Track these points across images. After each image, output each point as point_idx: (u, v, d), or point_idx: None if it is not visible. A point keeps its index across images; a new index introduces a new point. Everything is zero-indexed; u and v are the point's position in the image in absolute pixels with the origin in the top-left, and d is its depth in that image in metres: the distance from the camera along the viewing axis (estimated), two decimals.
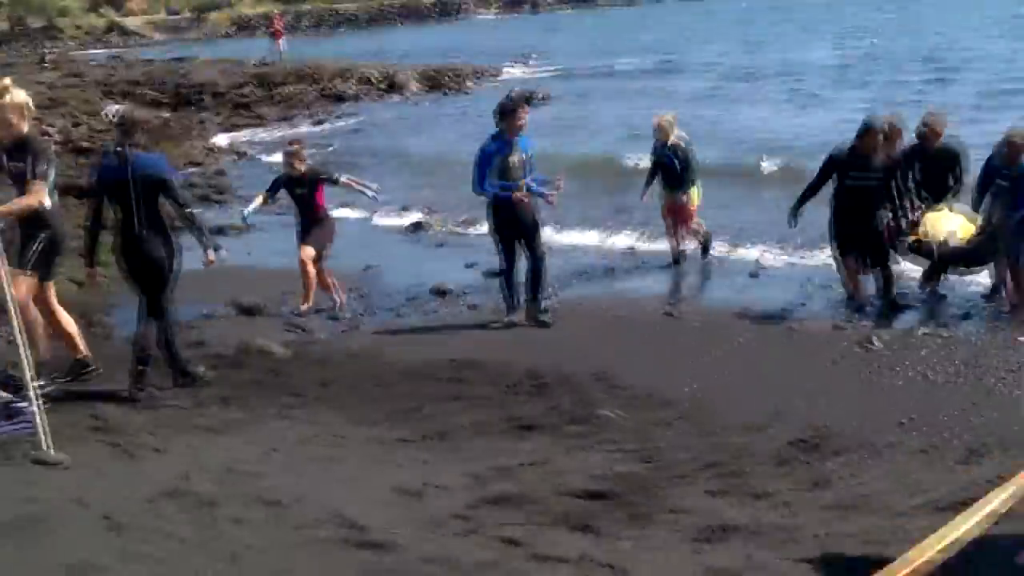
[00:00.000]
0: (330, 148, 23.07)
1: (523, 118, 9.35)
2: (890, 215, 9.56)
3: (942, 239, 9.37)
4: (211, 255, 7.90)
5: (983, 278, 10.01)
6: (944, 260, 9.58)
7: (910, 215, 9.60)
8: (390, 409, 7.26)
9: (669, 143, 11.54)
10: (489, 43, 48.30)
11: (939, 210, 9.61)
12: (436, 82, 33.52)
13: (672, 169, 11.56)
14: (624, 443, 6.44)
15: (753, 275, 11.28)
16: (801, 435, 6.44)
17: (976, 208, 9.64)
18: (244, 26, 75.64)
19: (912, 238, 9.55)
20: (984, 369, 7.68)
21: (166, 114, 28.40)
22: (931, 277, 9.97)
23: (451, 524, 5.19)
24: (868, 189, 9.48)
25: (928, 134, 9.76)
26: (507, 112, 9.32)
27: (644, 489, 5.65)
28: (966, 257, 9.59)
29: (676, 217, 11.84)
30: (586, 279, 11.55)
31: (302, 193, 10.52)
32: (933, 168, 9.78)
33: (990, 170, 9.50)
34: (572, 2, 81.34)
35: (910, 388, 7.40)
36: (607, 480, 5.78)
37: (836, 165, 9.62)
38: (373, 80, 32.76)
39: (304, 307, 10.35)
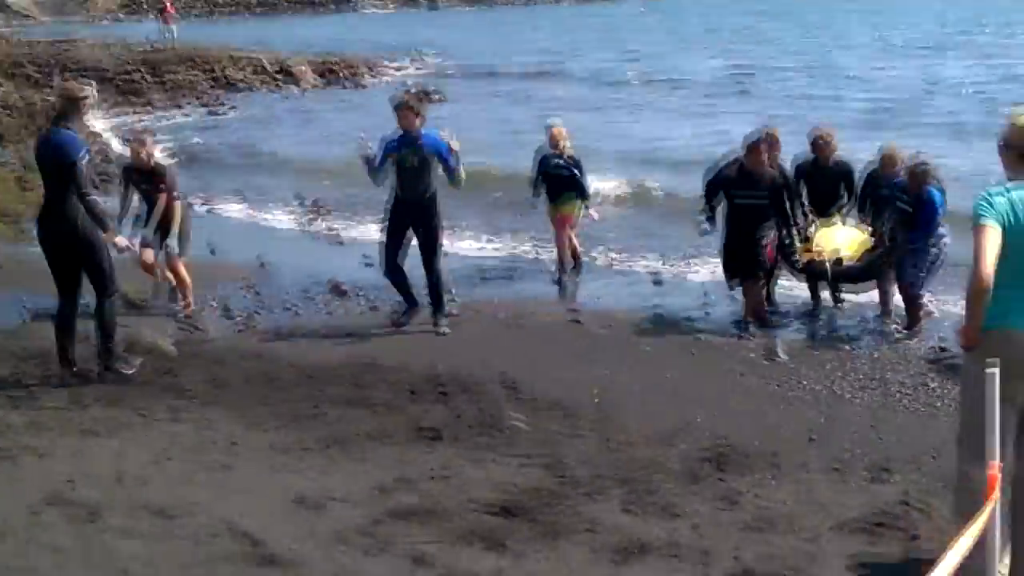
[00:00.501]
0: (196, 141, 22.54)
1: (408, 116, 9.06)
2: (773, 232, 9.42)
3: (836, 257, 9.37)
4: (119, 240, 7.87)
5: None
6: (837, 278, 9.61)
7: (800, 232, 9.55)
8: (288, 413, 6.97)
9: (566, 154, 11.24)
10: (386, 37, 47.80)
11: (830, 225, 9.66)
12: (331, 74, 33.00)
13: (565, 180, 11.23)
14: (531, 454, 6.27)
15: (657, 282, 11.25)
16: (710, 450, 6.37)
17: (862, 219, 9.72)
18: (133, 9, 73.51)
19: (805, 256, 9.50)
20: (888, 384, 7.75)
21: (50, 96, 27.35)
22: (816, 295, 9.96)
23: (356, 540, 4.97)
24: (757, 208, 9.33)
25: (823, 147, 9.77)
26: (396, 108, 9.14)
27: (555, 504, 5.50)
28: (859, 275, 9.64)
29: (564, 228, 11.47)
30: (488, 283, 11.37)
31: (146, 188, 9.77)
32: (824, 183, 9.83)
33: (871, 181, 9.60)
34: (469, 1, 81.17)
35: (816, 402, 7.40)
36: (516, 493, 5.62)
37: (722, 184, 9.50)
38: (267, 69, 32.08)
39: (188, 308, 9.80)
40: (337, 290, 10.86)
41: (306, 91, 31.22)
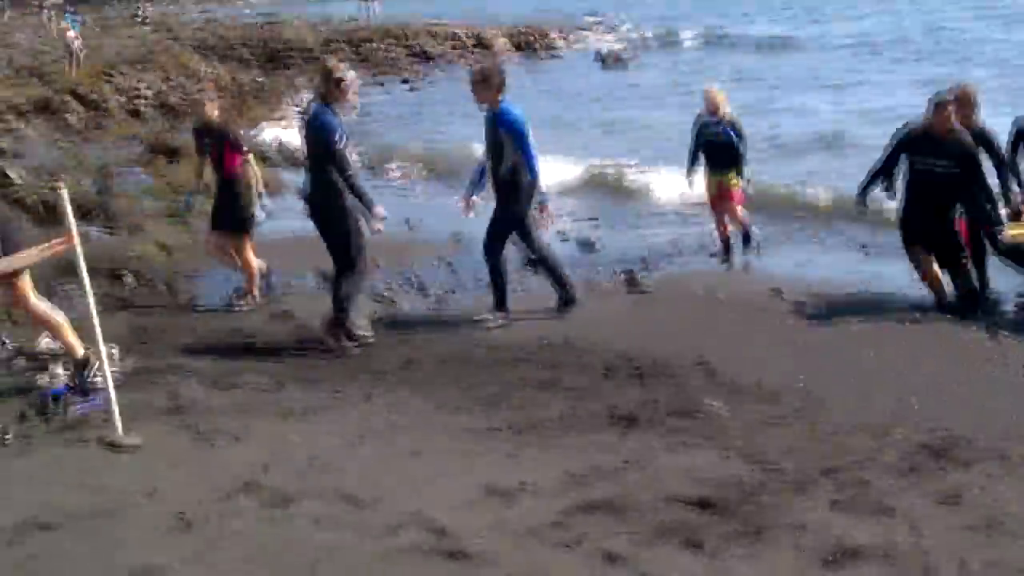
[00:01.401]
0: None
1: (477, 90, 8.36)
2: (961, 210, 8.49)
3: None
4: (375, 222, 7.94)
5: None
6: None
7: (1007, 208, 8.52)
8: (479, 396, 6.83)
9: (725, 117, 10.45)
10: (573, 4, 47.40)
11: None
12: (525, 44, 32.94)
13: (726, 147, 10.42)
14: (730, 442, 5.93)
15: (865, 251, 10.62)
16: (928, 440, 5.88)
17: None
18: None
19: (1012, 234, 8.40)
20: None
21: (256, 74, 28.34)
22: None
23: (547, 533, 4.77)
24: (943, 176, 8.35)
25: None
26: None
27: (756, 498, 5.15)
28: None
29: (724, 203, 10.71)
30: (684, 255, 11.00)
31: (211, 144, 9.54)
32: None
33: None
34: None
35: None
36: (714, 486, 5.30)
37: (905, 146, 8.59)
38: (464, 41, 32.29)
39: (244, 301, 9.40)
40: (533, 263, 10.71)
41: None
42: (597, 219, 13.12)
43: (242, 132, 10.48)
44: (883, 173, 8.79)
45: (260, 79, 27.64)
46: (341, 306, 7.97)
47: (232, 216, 9.41)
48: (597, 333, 8.15)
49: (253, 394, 6.86)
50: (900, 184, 8.76)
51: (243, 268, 9.49)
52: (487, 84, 8.33)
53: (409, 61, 30.01)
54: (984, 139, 8.58)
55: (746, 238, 10.86)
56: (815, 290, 9.19)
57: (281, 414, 6.44)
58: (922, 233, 8.56)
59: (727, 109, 10.48)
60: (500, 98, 8.33)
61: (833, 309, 8.59)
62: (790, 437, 6.02)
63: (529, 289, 9.93)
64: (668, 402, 6.59)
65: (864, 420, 6.24)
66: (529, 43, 32.76)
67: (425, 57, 30.49)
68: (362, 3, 40.14)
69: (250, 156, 9.58)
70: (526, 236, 8.74)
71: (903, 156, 8.62)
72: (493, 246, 8.67)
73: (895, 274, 9.43)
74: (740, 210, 10.74)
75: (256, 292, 9.46)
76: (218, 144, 9.42)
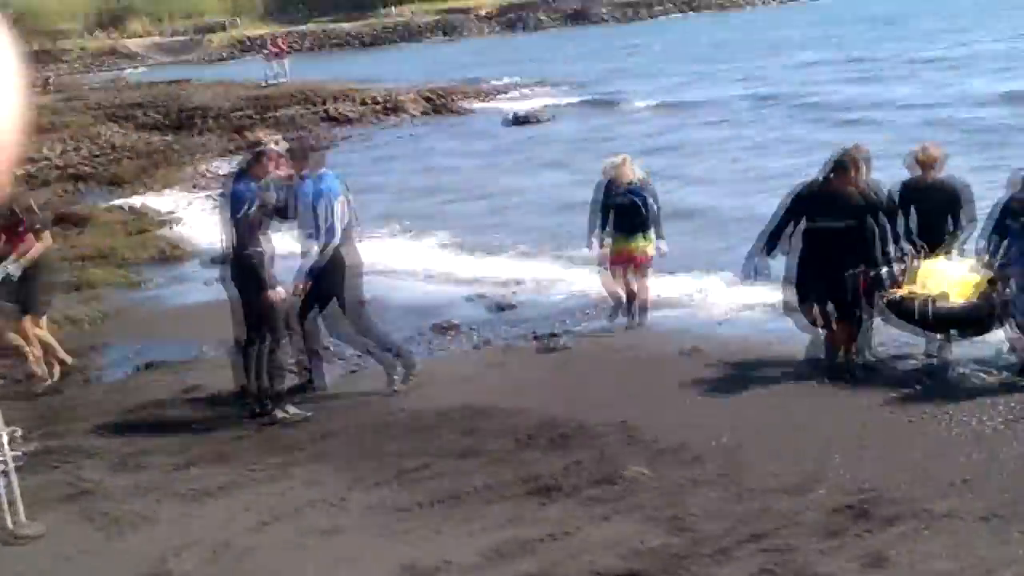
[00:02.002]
0: None
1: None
2: (862, 265, 8.14)
3: (933, 296, 7.99)
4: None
5: None
6: (933, 323, 8.13)
7: (898, 265, 8.18)
8: (396, 467, 6.66)
9: (635, 180, 9.99)
10: (492, 65, 47.81)
11: (936, 259, 8.35)
12: (437, 105, 33.01)
13: (635, 211, 9.90)
14: (654, 509, 5.83)
15: (774, 308, 10.67)
16: (849, 499, 5.85)
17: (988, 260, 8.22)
18: (246, 48, 75.23)
19: (897, 293, 8.11)
20: None
21: (168, 137, 27.96)
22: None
23: None
24: (841, 232, 8.11)
25: (924, 164, 8.60)
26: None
27: (683, 567, 5.06)
28: (962, 321, 8.17)
29: (628, 265, 10.14)
30: (596, 317, 10.94)
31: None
32: (929, 209, 8.56)
33: (1006, 212, 8.07)
34: (568, 20, 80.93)
35: (964, 439, 6.79)
36: (640, 555, 5.20)
37: (804, 205, 8.32)
38: (374, 101, 32.25)
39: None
40: (446, 327, 10.59)
41: (412, 121, 31.21)
42: (519, 280, 13.03)
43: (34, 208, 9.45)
44: (778, 235, 8.48)
45: (169, 141, 27.28)
46: (277, 379, 7.77)
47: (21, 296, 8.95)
48: (517, 397, 8.04)
49: (161, 474, 6.61)
50: (791, 245, 8.43)
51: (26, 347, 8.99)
52: (300, 155, 8.22)
53: (326, 127, 29.89)
54: (875, 197, 8.33)
55: (642, 310, 10.23)
56: (733, 348, 9.18)
57: (190, 495, 6.19)
58: (818, 293, 8.22)
59: (635, 174, 10.09)
60: (314, 169, 8.13)
61: (751, 367, 8.58)
62: (715, 501, 5.94)
63: (447, 351, 9.82)
64: (591, 468, 6.48)
65: (787, 480, 6.19)
66: (442, 104, 32.86)
67: (337, 121, 30.36)
68: (268, 63, 40.00)
69: (45, 233, 9.18)
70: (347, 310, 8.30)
71: (797, 216, 8.36)
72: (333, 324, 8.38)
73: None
74: (647, 281, 10.29)
75: (40, 370, 8.98)
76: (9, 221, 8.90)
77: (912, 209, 8.58)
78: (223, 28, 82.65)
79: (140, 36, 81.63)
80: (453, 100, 33.44)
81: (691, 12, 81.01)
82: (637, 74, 38.38)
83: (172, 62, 70.26)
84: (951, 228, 8.62)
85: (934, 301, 7.94)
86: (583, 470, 6.45)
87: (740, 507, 5.83)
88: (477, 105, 33.42)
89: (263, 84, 36.49)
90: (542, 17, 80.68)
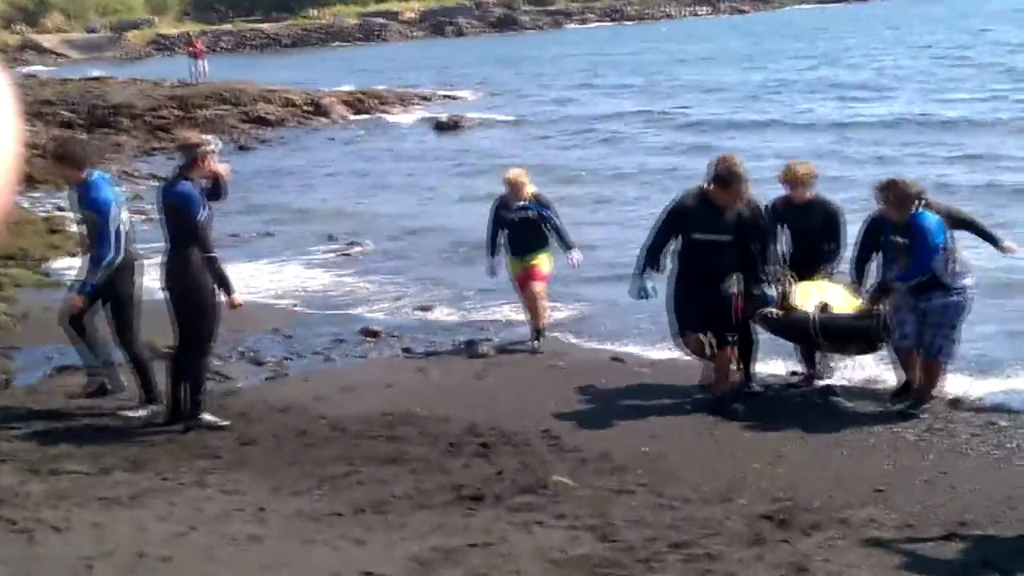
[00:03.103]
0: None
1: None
2: (739, 280, 7.73)
3: (819, 306, 7.78)
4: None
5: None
6: (820, 337, 7.82)
7: (776, 286, 7.84)
8: (319, 474, 6.58)
9: (531, 195, 9.63)
10: (416, 69, 47.68)
11: (811, 281, 8.07)
12: (360, 106, 32.84)
13: (532, 226, 9.58)
14: (579, 517, 5.84)
15: None
16: (772, 506, 5.93)
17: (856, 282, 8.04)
18: (164, 46, 74.02)
19: (775, 310, 7.80)
20: (953, 424, 7.28)
21: (83, 136, 27.35)
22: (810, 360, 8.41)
23: None
24: (721, 247, 7.71)
25: (795, 183, 8.24)
26: None
27: None
28: (850, 333, 7.89)
29: (528, 284, 9.69)
30: (519, 325, 10.95)
31: None
32: (801, 229, 8.28)
33: (874, 230, 7.80)
34: (495, 27, 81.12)
35: (879, 449, 6.93)
36: (565, 564, 5.20)
37: (681, 218, 7.85)
38: (297, 103, 31.94)
39: None
40: (370, 332, 10.52)
41: (337, 123, 30.97)
42: (441, 285, 12.99)
43: None
44: (659, 249, 8.01)
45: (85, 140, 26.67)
46: (197, 386, 7.57)
47: None
48: (441, 404, 8.00)
49: (75, 481, 6.42)
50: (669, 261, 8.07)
51: None
52: (66, 160, 7.70)
53: (247, 127, 29.46)
54: (757, 213, 7.94)
55: (539, 333, 9.76)
56: (655, 358, 9.25)
57: (106, 503, 6.03)
58: (698, 315, 7.80)
59: (530, 189, 9.70)
60: (86, 174, 7.62)
61: (674, 377, 8.65)
62: (638, 509, 5.98)
63: (368, 357, 9.74)
64: (515, 477, 6.47)
65: (708, 490, 6.26)
66: (367, 108, 32.66)
67: (261, 122, 29.97)
68: (191, 61, 39.38)
69: None
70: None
71: (678, 228, 7.91)
72: (123, 336, 7.83)
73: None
74: (544, 301, 9.84)
75: None
76: None
77: (784, 228, 8.33)
78: (143, 25, 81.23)
79: (55, 32, 79.84)
80: (378, 104, 33.29)
81: (611, 22, 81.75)
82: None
83: (88, 59, 68.79)
84: (824, 250, 8.21)
85: (823, 309, 7.76)
86: (508, 478, 6.44)
87: (663, 516, 5.87)
88: (400, 110, 33.30)
89: (193, 83, 35.86)
90: (466, 23, 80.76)
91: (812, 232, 8.26)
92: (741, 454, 6.88)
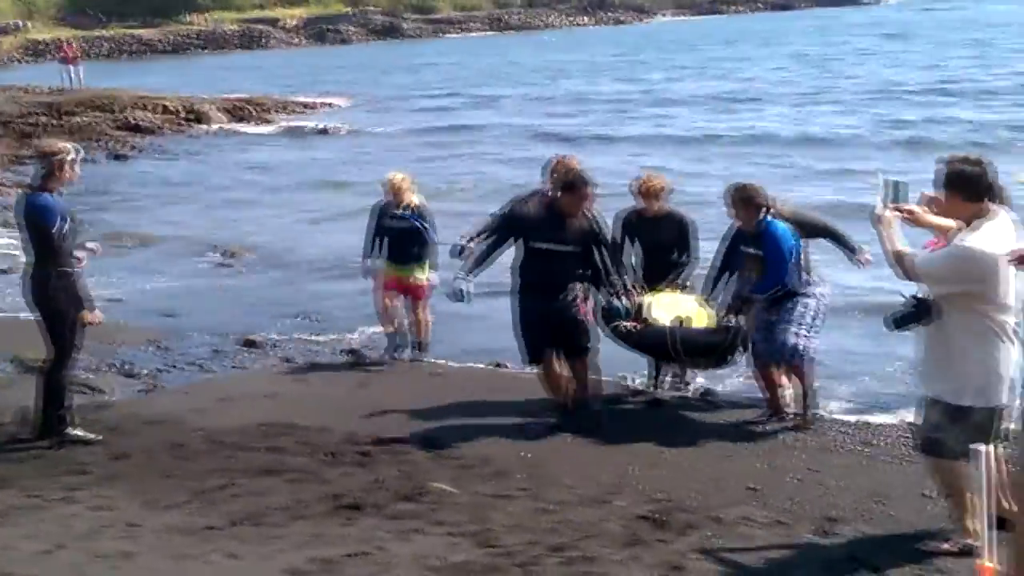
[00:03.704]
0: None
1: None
2: (579, 290, 7.57)
3: (674, 320, 7.60)
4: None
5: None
6: (675, 351, 7.65)
7: (624, 298, 7.73)
8: (194, 488, 6.43)
9: (410, 203, 9.34)
10: (300, 76, 47.16)
11: (664, 293, 7.98)
12: (239, 112, 32.36)
13: (412, 237, 9.29)
14: (459, 524, 5.83)
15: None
16: (646, 510, 6.00)
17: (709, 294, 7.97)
18: (38, 52, 71.69)
19: (629, 324, 7.66)
20: (823, 422, 7.49)
21: None
22: (657, 375, 8.36)
23: None
24: (565, 256, 7.51)
25: (648, 195, 8.06)
26: None
27: None
28: (704, 348, 7.73)
29: (407, 295, 9.55)
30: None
31: None
32: (654, 241, 8.18)
33: (733, 241, 7.70)
34: (378, 35, 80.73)
35: (753, 449, 7.07)
36: (445, 571, 5.18)
37: (520, 224, 7.59)
38: (174, 110, 31.29)
39: None
40: (249, 343, 10.35)
41: (214, 132, 30.43)
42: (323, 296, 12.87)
43: None
44: (486, 257, 7.80)
45: None
46: (60, 401, 7.33)
47: None
48: (322, 414, 7.91)
49: None
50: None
51: None
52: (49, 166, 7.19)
53: (121, 134, 28.69)
54: (601, 224, 7.81)
55: (422, 346, 9.65)
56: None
57: None
58: (547, 331, 7.57)
59: (413, 197, 9.39)
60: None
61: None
62: (518, 514, 5.99)
63: (245, 368, 9.60)
64: (395, 485, 6.43)
65: (586, 493, 6.31)
66: (246, 115, 32.20)
67: (136, 129, 29.27)
68: (63, 67, 38.28)
69: None
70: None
71: (514, 235, 7.65)
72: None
73: (608, 350, 9.56)
74: (426, 313, 9.63)
75: None
76: None
77: (636, 241, 8.21)
78: (14, 30, 78.52)
79: None
80: (256, 112, 32.83)
81: (494, 31, 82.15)
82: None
83: None
84: (675, 262, 8.15)
85: (680, 323, 7.57)
86: (387, 487, 6.40)
87: (542, 520, 5.89)
88: (280, 117, 32.91)
89: (69, 89, 34.82)
90: (350, 30, 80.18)
91: (665, 245, 8.17)
92: (620, 458, 6.95)
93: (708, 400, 8.23)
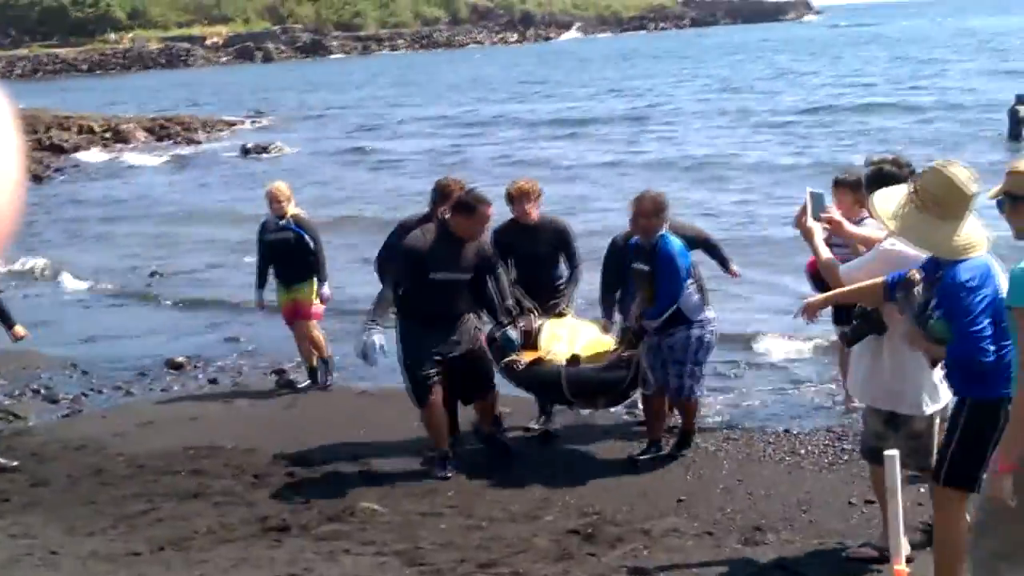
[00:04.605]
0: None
1: None
2: (475, 322, 7.03)
3: (569, 357, 6.99)
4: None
5: None
6: (568, 393, 7.05)
7: (518, 324, 7.12)
8: (117, 513, 6.33)
9: (290, 214, 8.78)
10: (221, 95, 46.75)
11: (559, 317, 7.41)
12: (163, 131, 31.97)
13: (296, 252, 8.73)
14: (387, 543, 5.80)
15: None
16: (575, 524, 6.01)
17: (606, 314, 7.42)
18: None
19: (523, 358, 7.02)
20: (750, 433, 7.56)
21: None
22: (546, 410, 7.68)
23: None
24: (458, 285, 6.88)
25: (520, 198, 7.39)
26: None
27: None
28: (599, 388, 7.11)
29: (295, 316, 8.99)
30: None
31: None
32: (531, 254, 7.46)
33: (616, 257, 7.26)
34: (304, 52, 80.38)
35: (680, 461, 7.12)
36: None
37: (415, 256, 6.74)
38: (96, 130, 30.84)
39: None
40: (174, 365, 10.19)
41: (137, 148, 30.01)
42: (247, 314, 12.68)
43: None
44: (390, 300, 6.86)
45: None
46: None
47: None
48: (248, 436, 7.82)
49: None
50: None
51: None
52: None
53: (41, 155, 28.21)
54: (487, 245, 7.17)
55: (323, 362, 9.17)
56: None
57: None
58: (443, 370, 6.84)
59: (291, 209, 8.83)
60: None
61: None
62: (447, 532, 5.97)
63: (169, 389, 9.43)
64: (322, 506, 6.38)
65: (516, 509, 6.30)
66: (171, 134, 31.82)
67: (57, 150, 28.77)
68: None
69: None
70: None
71: (415, 269, 6.75)
72: None
73: None
74: (317, 331, 9.11)
75: None
76: None
77: (510, 258, 7.43)
78: None
79: None
80: (181, 131, 32.46)
81: (421, 48, 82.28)
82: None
83: None
84: (555, 276, 7.60)
85: (572, 362, 6.96)
86: (314, 508, 6.35)
87: (472, 537, 5.88)
88: (204, 136, 32.58)
89: None
90: (274, 48, 79.73)
91: (543, 256, 7.51)
92: (548, 473, 6.95)
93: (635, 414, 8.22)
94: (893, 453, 3.70)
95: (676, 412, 7.35)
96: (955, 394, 4.54)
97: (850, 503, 6.14)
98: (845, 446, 7.09)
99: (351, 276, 12.08)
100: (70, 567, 5.50)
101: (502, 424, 7.44)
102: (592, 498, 6.47)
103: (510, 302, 7.11)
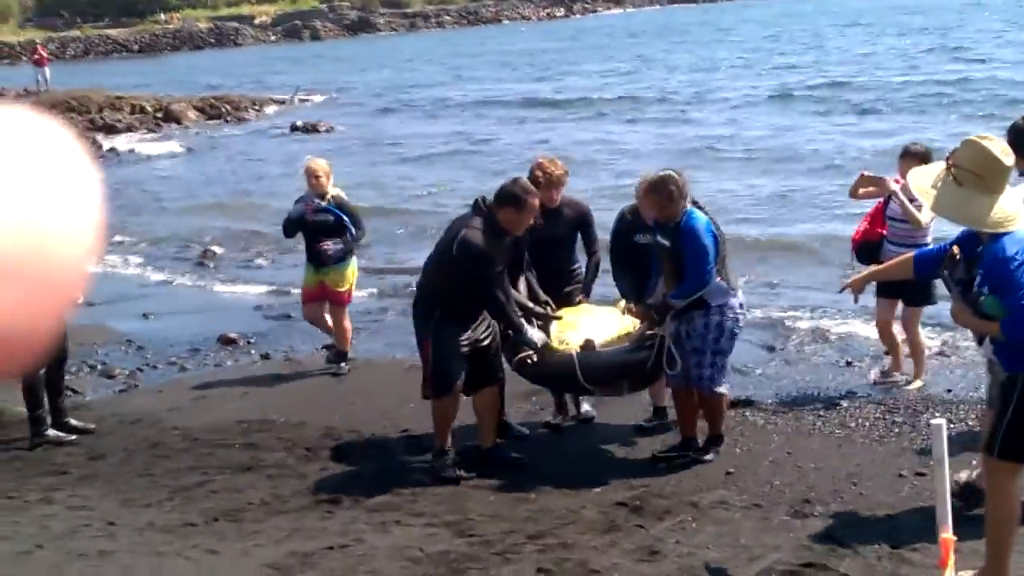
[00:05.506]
0: None
1: None
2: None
3: (582, 343, 6.48)
4: None
5: None
6: (589, 377, 6.45)
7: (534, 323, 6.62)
8: (172, 485, 6.45)
9: (332, 196, 8.62)
10: (271, 74, 47.01)
11: (576, 310, 6.96)
12: (212, 110, 32.24)
13: (330, 232, 8.55)
14: (437, 514, 5.86)
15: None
16: (622, 496, 6.03)
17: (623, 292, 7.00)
18: (6, 55, 71.20)
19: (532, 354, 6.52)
20: (799, 406, 7.53)
21: None
22: (561, 407, 7.37)
23: None
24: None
25: (548, 185, 6.79)
26: None
27: (464, 570, 5.10)
28: (624, 368, 6.57)
29: (331, 306, 8.87)
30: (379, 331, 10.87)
31: None
32: (550, 238, 6.94)
33: (625, 232, 6.95)
34: (351, 30, 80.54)
35: (728, 433, 7.10)
36: (422, 561, 5.21)
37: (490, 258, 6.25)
38: (148, 110, 31.17)
39: None
40: (226, 341, 10.33)
41: (189, 128, 30.30)
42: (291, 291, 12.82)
43: None
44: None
45: None
46: (38, 402, 7.35)
47: None
48: (299, 410, 7.92)
49: None
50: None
51: None
52: None
53: (95, 135, 28.55)
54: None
55: (340, 356, 8.98)
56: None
57: None
58: (465, 359, 6.54)
59: (332, 189, 8.63)
60: None
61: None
62: (496, 503, 6.03)
63: (222, 365, 9.57)
64: (372, 478, 6.45)
65: (563, 482, 6.33)
66: (221, 113, 32.09)
67: (109, 130, 29.12)
68: (36, 69, 38.13)
69: None
70: None
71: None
72: None
73: None
74: (348, 321, 8.99)
75: None
76: None
77: (528, 237, 6.77)
78: None
79: None
80: (232, 109, 32.72)
81: (468, 24, 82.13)
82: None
83: None
84: (576, 259, 7.29)
85: (586, 347, 6.47)
86: (365, 480, 6.42)
87: (520, 509, 5.93)
88: (255, 115, 32.82)
89: (41, 91, 34.67)
90: (322, 26, 79.97)
91: (562, 238, 7.07)
92: (595, 448, 6.97)
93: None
94: (940, 422, 3.69)
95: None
96: (1007, 369, 4.50)
97: (900, 475, 6.11)
98: (896, 419, 7.05)
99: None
100: (127, 538, 5.62)
101: (512, 428, 7.16)
102: (640, 472, 6.48)
103: (543, 297, 6.78)
